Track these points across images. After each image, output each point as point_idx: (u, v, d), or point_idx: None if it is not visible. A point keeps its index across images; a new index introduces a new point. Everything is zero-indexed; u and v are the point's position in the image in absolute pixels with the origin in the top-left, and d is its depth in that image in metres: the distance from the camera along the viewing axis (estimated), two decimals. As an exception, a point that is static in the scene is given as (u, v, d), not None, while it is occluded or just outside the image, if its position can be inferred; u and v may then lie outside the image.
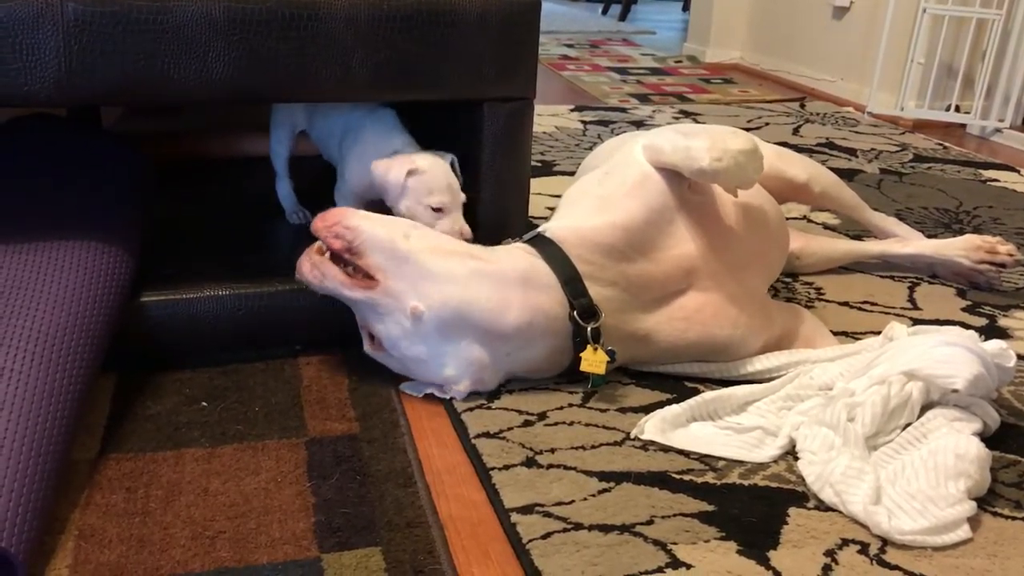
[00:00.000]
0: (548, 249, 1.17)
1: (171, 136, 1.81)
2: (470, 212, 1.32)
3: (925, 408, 1.08)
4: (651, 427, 1.09)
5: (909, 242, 1.64)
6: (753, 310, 1.24)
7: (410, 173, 1.25)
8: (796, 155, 1.54)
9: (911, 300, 1.55)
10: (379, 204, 1.31)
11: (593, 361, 1.14)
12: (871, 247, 1.67)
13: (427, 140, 1.51)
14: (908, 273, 1.65)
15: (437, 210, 1.27)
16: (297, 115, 1.47)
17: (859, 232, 1.82)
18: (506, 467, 1.03)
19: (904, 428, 1.06)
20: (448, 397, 1.16)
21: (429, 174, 1.26)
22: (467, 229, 1.28)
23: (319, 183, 1.51)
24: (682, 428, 1.11)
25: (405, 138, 1.34)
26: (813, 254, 1.63)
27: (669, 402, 1.16)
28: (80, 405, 1.00)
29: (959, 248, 1.60)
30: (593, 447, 1.08)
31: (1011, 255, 1.57)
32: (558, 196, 2.00)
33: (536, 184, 2.08)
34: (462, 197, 1.29)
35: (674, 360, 1.23)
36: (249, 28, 1.10)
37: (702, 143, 1.14)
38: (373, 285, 1.12)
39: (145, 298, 1.19)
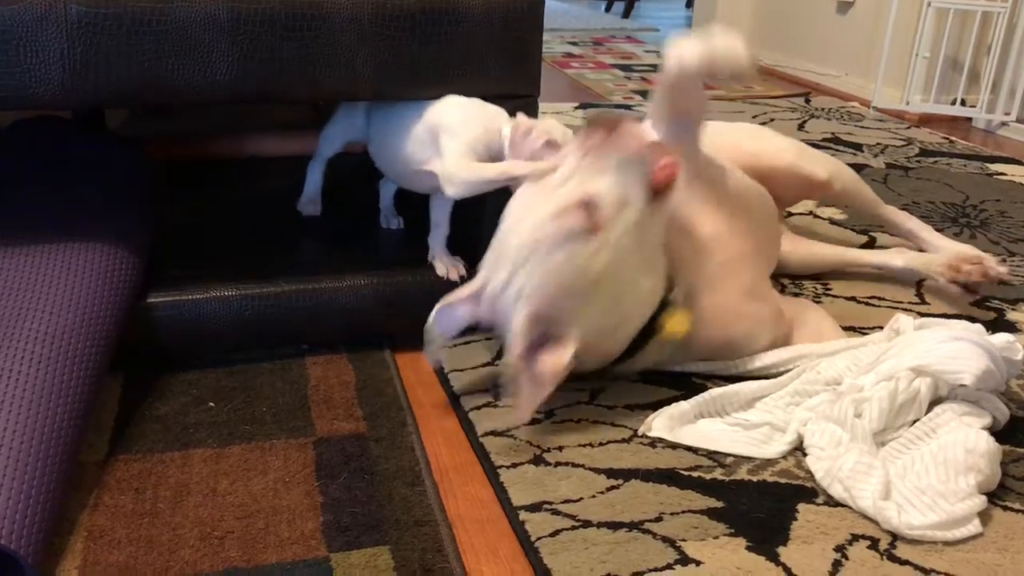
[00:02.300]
0: None
1: (177, 137, 1.81)
2: (478, 211, 1.32)
3: (933, 403, 1.08)
4: (659, 424, 1.09)
5: (902, 254, 1.60)
6: (762, 303, 1.24)
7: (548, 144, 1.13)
8: (817, 152, 1.53)
9: (919, 295, 1.54)
10: None
11: (679, 319, 1.13)
12: (862, 256, 1.63)
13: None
14: (915, 267, 1.65)
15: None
16: (357, 121, 1.38)
17: (866, 227, 1.81)
18: (514, 465, 1.03)
19: (912, 423, 1.06)
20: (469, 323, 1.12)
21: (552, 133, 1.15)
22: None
23: (344, 185, 1.51)
24: (690, 424, 1.10)
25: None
26: (800, 258, 1.60)
27: (677, 399, 1.15)
28: (88, 407, 1.00)
29: (938, 266, 1.55)
30: (601, 444, 1.07)
31: (982, 281, 1.51)
32: (563, 194, 2.00)
33: (541, 182, 2.08)
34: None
35: (686, 360, 1.23)
36: (252, 29, 1.10)
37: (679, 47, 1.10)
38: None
39: (152, 299, 1.19)
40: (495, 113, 1.20)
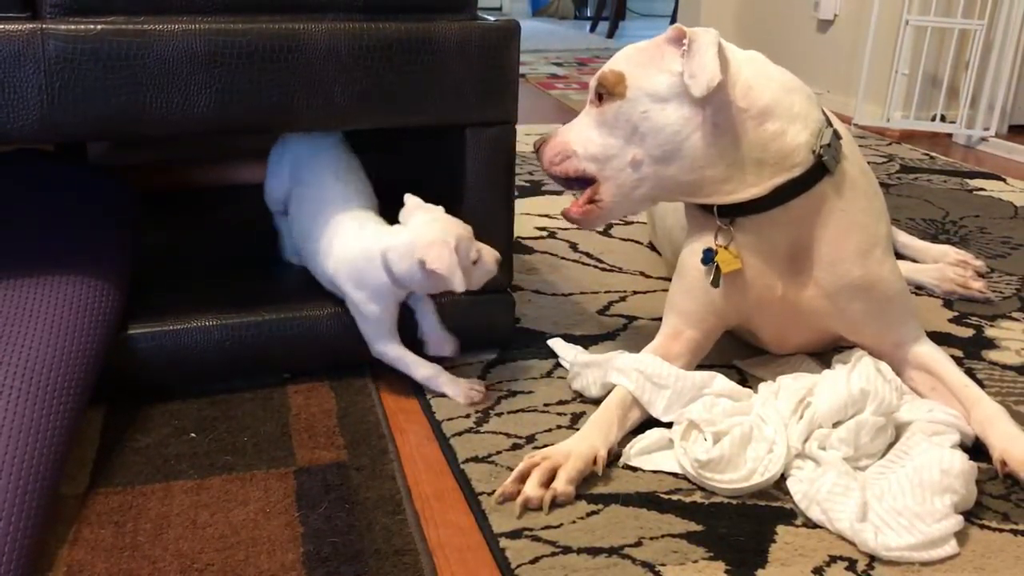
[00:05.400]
0: None
1: (159, 166, 1.82)
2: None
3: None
4: (635, 452, 1.09)
5: None
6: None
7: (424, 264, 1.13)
8: None
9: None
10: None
11: (728, 258, 1.19)
12: None
13: (410, 166, 1.52)
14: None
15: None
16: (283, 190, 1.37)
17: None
18: (495, 492, 1.03)
19: (888, 449, 1.07)
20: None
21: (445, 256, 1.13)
22: (495, 254, 1.20)
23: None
24: (667, 450, 1.10)
25: (374, 222, 1.25)
26: None
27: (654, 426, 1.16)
28: (68, 441, 1.00)
29: (932, 276, 1.64)
30: (581, 469, 1.08)
31: (982, 292, 1.61)
32: (546, 215, 2.02)
33: (525, 204, 2.09)
34: (470, 229, 1.19)
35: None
36: (230, 61, 1.10)
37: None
38: None
39: (132, 330, 1.19)
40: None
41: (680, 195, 1.19)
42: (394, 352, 1.23)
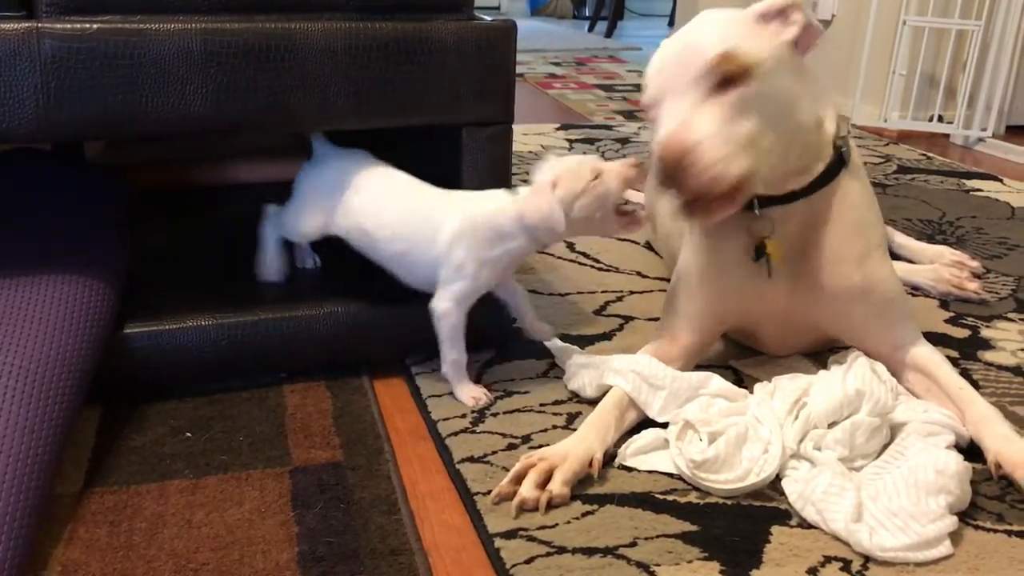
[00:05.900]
0: None
1: (156, 165, 1.82)
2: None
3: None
4: (631, 452, 1.09)
5: None
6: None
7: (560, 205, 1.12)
8: None
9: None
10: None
11: (775, 246, 1.17)
12: None
13: (407, 166, 1.51)
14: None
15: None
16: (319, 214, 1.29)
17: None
18: (490, 492, 1.03)
19: (883, 450, 1.07)
20: None
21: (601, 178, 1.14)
22: (620, 170, 1.16)
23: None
24: (662, 451, 1.10)
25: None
26: None
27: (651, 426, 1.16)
28: (63, 440, 1.00)
29: (928, 277, 1.64)
30: (577, 469, 1.08)
31: (977, 293, 1.61)
32: (544, 216, 2.01)
33: (522, 204, 2.09)
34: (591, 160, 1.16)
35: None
36: (226, 60, 1.11)
37: None
38: None
39: (128, 329, 1.19)
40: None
41: (761, 185, 1.10)
42: (458, 318, 1.20)
